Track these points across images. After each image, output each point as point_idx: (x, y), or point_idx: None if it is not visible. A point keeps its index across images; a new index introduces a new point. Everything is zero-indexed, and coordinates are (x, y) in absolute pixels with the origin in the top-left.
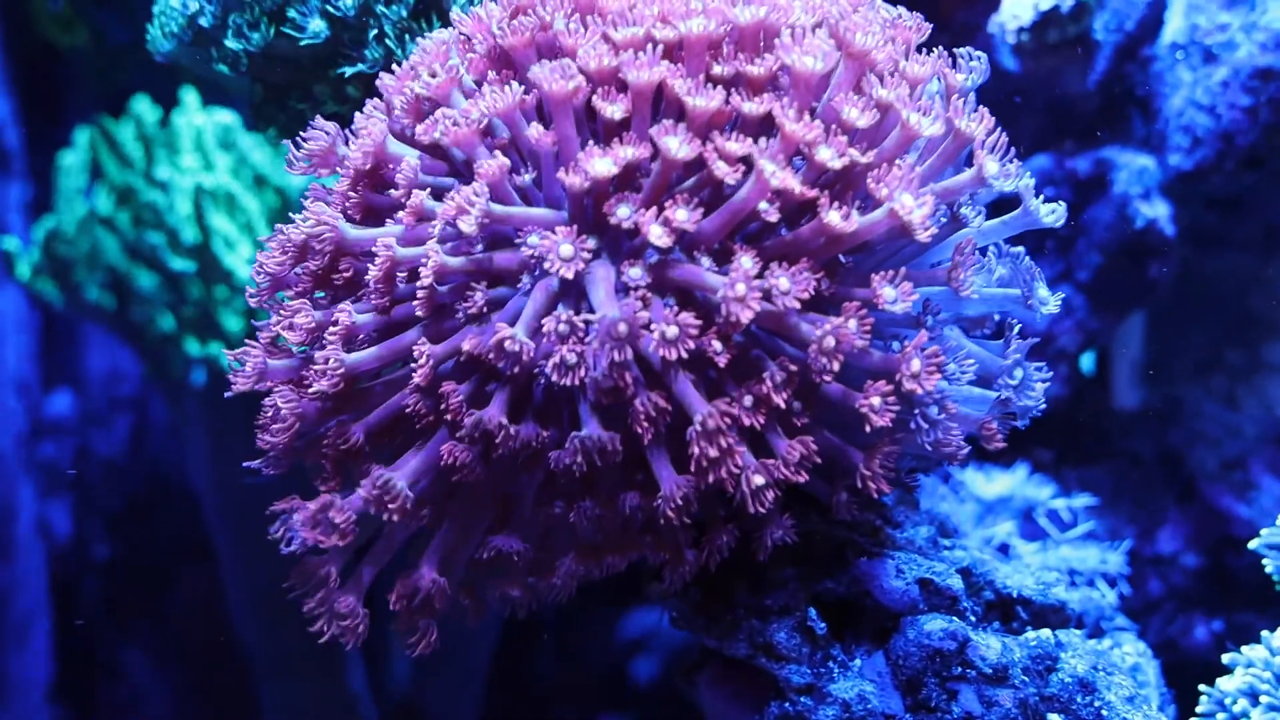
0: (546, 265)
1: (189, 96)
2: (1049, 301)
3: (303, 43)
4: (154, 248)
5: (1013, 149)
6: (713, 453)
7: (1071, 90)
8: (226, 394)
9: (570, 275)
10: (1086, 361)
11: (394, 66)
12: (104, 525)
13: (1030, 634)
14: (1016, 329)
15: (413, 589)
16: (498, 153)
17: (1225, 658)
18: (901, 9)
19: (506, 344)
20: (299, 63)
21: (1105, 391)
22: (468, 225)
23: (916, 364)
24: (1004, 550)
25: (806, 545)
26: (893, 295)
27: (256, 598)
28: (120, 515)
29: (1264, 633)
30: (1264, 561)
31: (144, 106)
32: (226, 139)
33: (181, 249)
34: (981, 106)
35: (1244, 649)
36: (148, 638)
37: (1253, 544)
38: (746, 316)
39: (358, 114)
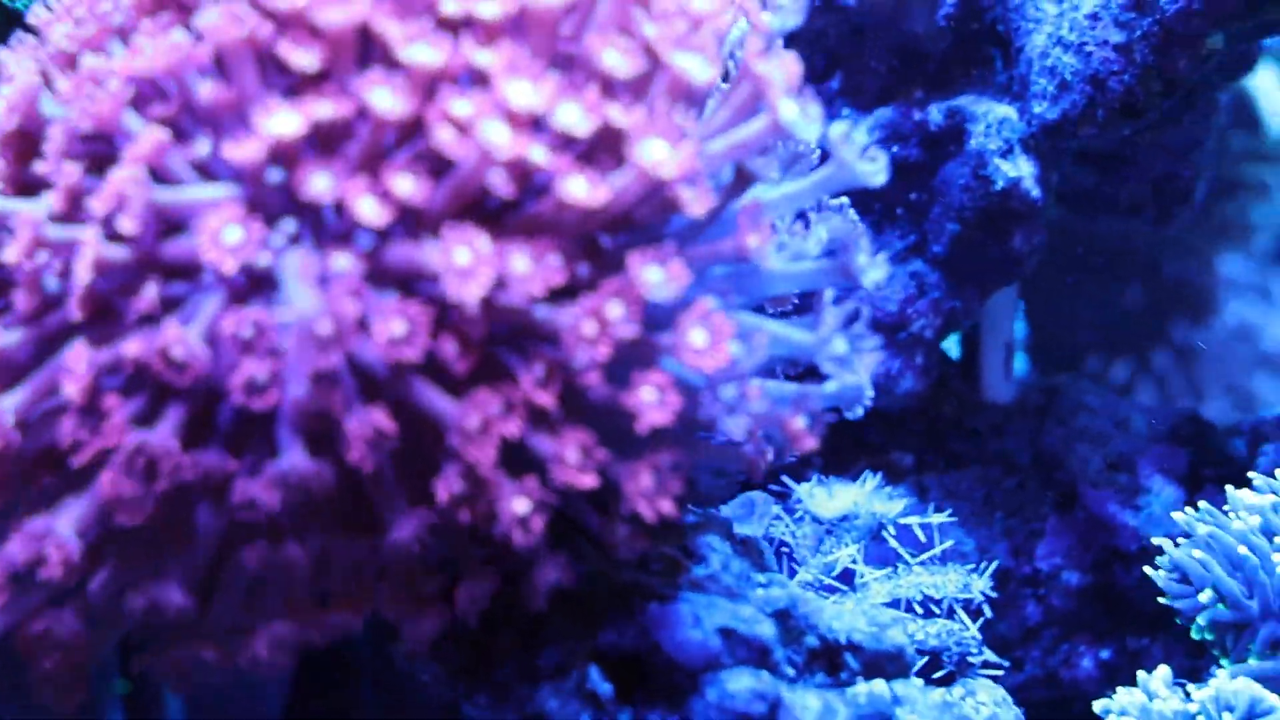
0: (209, 256)
1: None
2: (870, 269)
3: None
4: None
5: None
6: (483, 459)
7: (918, 28)
8: None
9: (247, 264)
10: (952, 347)
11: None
12: None
13: (861, 687)
14: (829, 295)
15: (49, 636)
16: (152, 126)
17: (1097, 705)
18: None
19: (173, 349)
20: None
21: (973, 384)
22: (129, 225)
23: (699, 335)
24: (848, 579)
25: (588, 591)
26: (659, 277)
27: None
28: None
29: (1140, 674)
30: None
31: None
32: None
33: None
34: (790, 50)
35: (1119, 692)
36: None
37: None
38: (473, 293)
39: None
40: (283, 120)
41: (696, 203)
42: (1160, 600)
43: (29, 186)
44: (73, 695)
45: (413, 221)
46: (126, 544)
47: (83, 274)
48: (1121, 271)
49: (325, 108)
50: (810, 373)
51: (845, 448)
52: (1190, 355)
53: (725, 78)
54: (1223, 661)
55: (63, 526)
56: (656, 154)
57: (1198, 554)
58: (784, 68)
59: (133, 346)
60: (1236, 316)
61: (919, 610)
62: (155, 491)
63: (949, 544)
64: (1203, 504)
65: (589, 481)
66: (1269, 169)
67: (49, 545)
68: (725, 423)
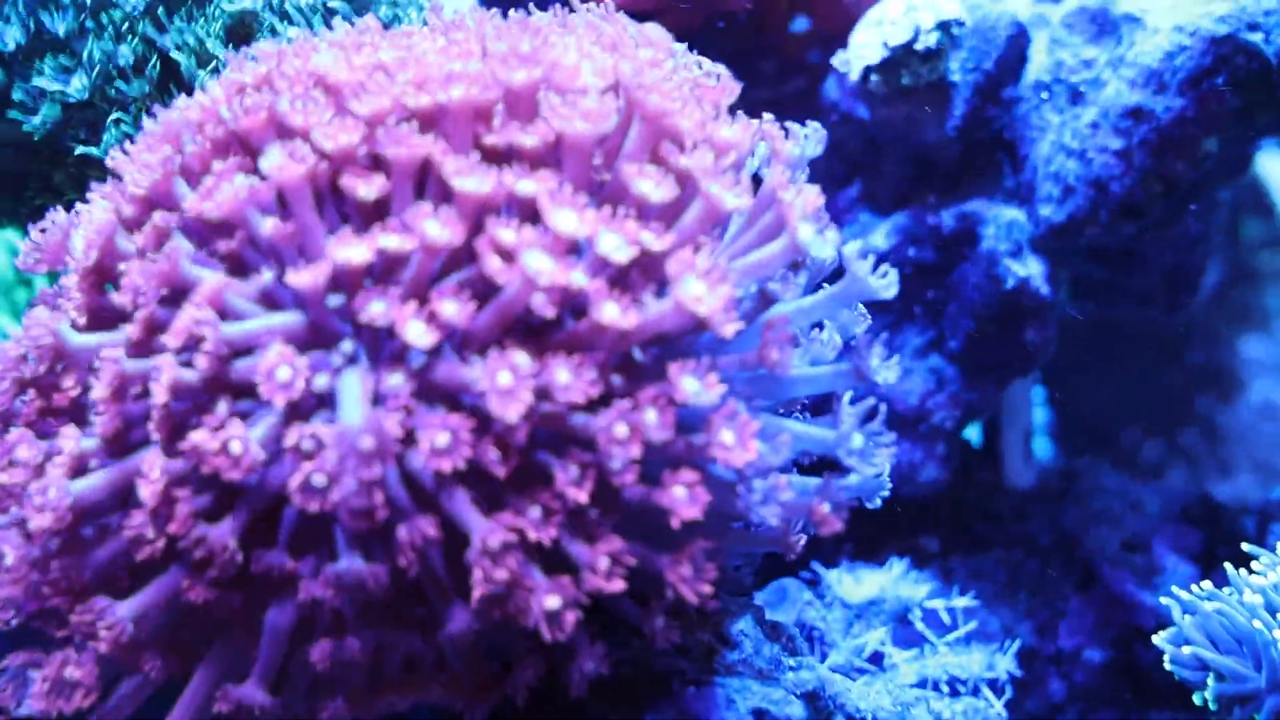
0: (262, 392)
1: None
2: (882, 370)
3: (26, 129)
4: None
5: (862, 214)
6: (500, 576)
7: (930, 137)
8: None
9: (295, 399)
10: (973, 435)
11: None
12: None
13: None
14: (847, 397)
15: None
16: (209, 275)
17: None
18: (720, 66)
19: (231, 445)
20: (32, 149)
21: (994, 470)
22: (203, 361)
23: (728, 434)
24: (877, 660)
25: (629, 676)
26: (695, 387)
27: None
28: None
29: None
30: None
31: None
32: None
33: None
34: (809, 181)
35: None
36: None
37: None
38: (514, 412)
39: (93, 193)
40: (352, 250)
41: (728, 327)
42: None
43: (103, 315)
44: None
45: (459, 341)
46: (203, 641)
47: (161, 397)
48: (1145, 356)
49: (393, 240)
50: (831, 464)
51: (874, 535)
52: (1217, 433)
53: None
54: None
55: (122, 608)
56: (695, 291)
57: (1195, 643)
58: (804, 197)
59: (198, 436)
60: (1261, 396)
61: (945, 689)
62: (212, 580)
63: (973, 625)
64: (1206, 583)
65: (617, 587)
66: None
67: (102, 619)
68: (759, 512)
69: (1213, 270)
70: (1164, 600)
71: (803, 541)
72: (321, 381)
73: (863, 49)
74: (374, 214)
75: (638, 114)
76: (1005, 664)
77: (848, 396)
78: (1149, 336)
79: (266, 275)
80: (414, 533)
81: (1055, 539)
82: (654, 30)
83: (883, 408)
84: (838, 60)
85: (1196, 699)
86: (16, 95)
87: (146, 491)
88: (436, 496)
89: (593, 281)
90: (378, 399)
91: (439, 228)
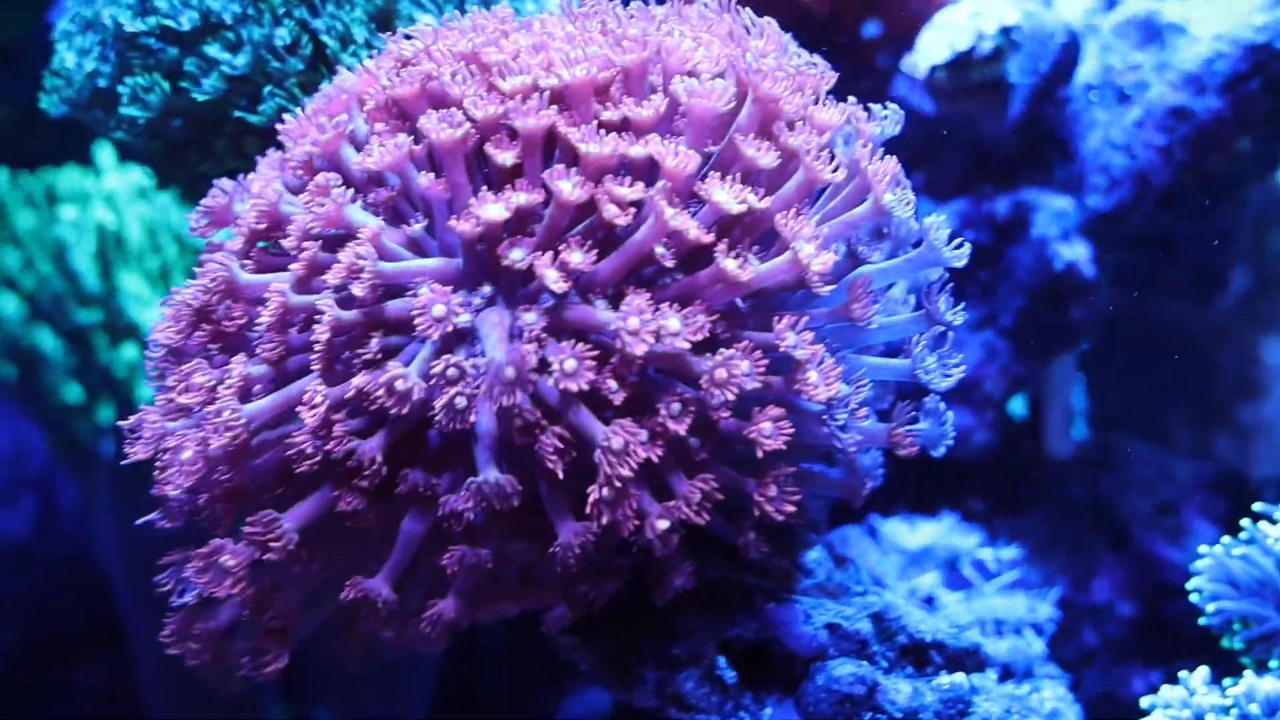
0: (421, 326)
1: (104, 153)
2: (950, 312)
3: (198, 98)
4: (57, 297)
5: (920, 197)
6: (622, 474)
7: (989, 132)
8: (123, 461)
9: (449, 330)
10: (1018, 407)
11: (292, 114)
12: (6, 610)
13: (943, 678)
14: (921, 344)
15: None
16: (370, 219)
17: (1144, 700)
18: (816, 57)
19: (397, 383)
20: (198, 119)
21: (1037, 439)
22: (360, 290)
23: (814, 375)
24: (929, 602)
25: (716, 592)
26: (794, 339)
27: (173, 677)
28: (24, 599)
29: (1182, 673)
30: (1193, 597)
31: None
32: (143, 196)
33: (86, 297)
34: (889, 155)
35: (1163, 689)
36: None
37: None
38: (640, 350)
39: (259, 160)
40: (492, 208)
41: (826, 288)
42: (1201, 622)
43: (268, 267)
44: (272, 663)
45: (584, 286)
46: (344, 544)
47: (323, 335)
48: (1176, 355)
49: (521, 197)
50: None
51: (926, 495)
52: (1242, 431)
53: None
54: (1248, 663)
55: (287, 520)
56: (807, 250)
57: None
58: (886, 165)
59: (360, 378)
60: None
61: (991, 630)
62: (364, 489)
63: (1017, 573)
64: (1226, 538)
65: (704, 520)
66: None
67: (270, 531)
68: (840, 438)
69: (1243, 278)
70: (1201, 551)
71: (868, 487)
72: (464, 319)
73: (930, 49)
74: (510, 176)
75: (751, 95)
76: (1046, 610)
77: (921, 343)
78: (1183, 336)
79: (417, 225)
80: (553, 438)
81: (1091, 503)
82: (769, 24)
83: (950, 335)
84: (905, 63)
85: (1225, 642)
86: (188, 67)
87: (309, 415)
88: (563, 414)
89: (709, 234)
90: (514, 334)
91: (570, 186)
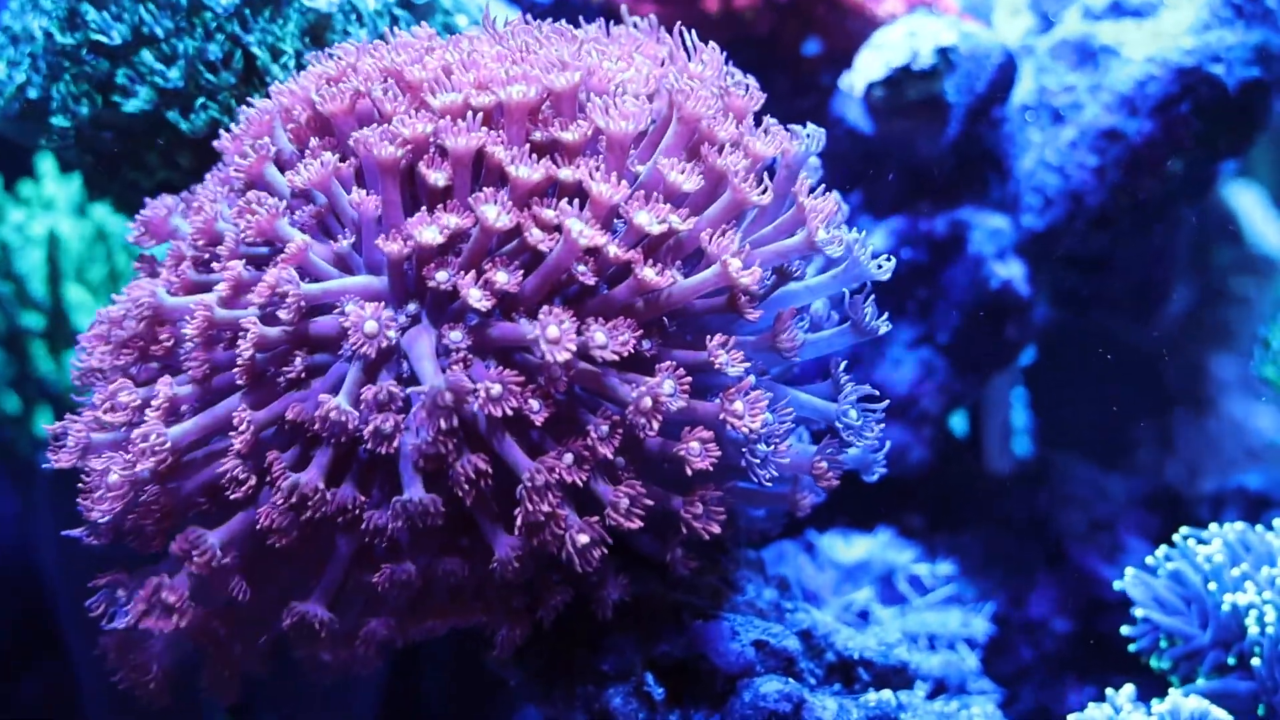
0: (352, 343)
1: (45, 165)
2: (876, 321)
3: (126, 110)
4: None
5: (860, 217)
6: (543, 509)
7: (926, 151)
8: (44, 467)
9: (383, 346)
10: (958, 424)
11: (225, 131)
12: None
13: (870, 695)
14: (842, 366)
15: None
16: (297, 235)
17: (1070, 718)
18: (749, 78)
19: (332, 414)
20: (130, 131)
21: (977, 455)
22: (286, 314)
23: (739, 404)
24: (864, 617)
25: (645, 609)
26: (725, 357)
27: (112, 691)
28: None
29: (1108, 690)
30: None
31: None
32: (82, 206)
33: (30, 302)
34: (828, 192)
35: (1090, 707)
36: None
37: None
38: (561, 357)
39: (198, 185)
40: (427, 231)
41: (755, 313)
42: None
43: (200, 289)
44: (228, 690)
45: (508, 304)
46: (275, 567)
47: (246, 351)
48: (1121, 370)
49: (453, 220)
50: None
51: (863, 512)
52: (1186, 442)
53: None
54: (1174, 682)
55: (213, 536)
56: (736, 265)
57: (1151, 590)
58: (824, 204)
59: (292, 411)
60: (1227, 410)
61: (924, 645)
62: (301, 520)
63: (952, 589)
64: (1166, 547)
65: (634, 525)
66: (1252, 281)
67: (196, 546)
68: (756, 472)
69: (1186, 293)
70: (1127, 573)
71: (810, 500)
72: (392, 335)
73: (867, 68)
74: (440, 196)
75: (676, 115)
76: (980, 625)
77: (843, 365)
78: (1124, 353)
79: (344, 242)
80: (468, 466)
81: (1028, 519)
82: (711, 49)
83: (878, 393)
84: (843, 81)
85: (1153, 663)
86: (120, 79)
87: (238, 441)
88: (489, 439)
89: (630, 251)
90: (439, 352)
91: (496, 211)
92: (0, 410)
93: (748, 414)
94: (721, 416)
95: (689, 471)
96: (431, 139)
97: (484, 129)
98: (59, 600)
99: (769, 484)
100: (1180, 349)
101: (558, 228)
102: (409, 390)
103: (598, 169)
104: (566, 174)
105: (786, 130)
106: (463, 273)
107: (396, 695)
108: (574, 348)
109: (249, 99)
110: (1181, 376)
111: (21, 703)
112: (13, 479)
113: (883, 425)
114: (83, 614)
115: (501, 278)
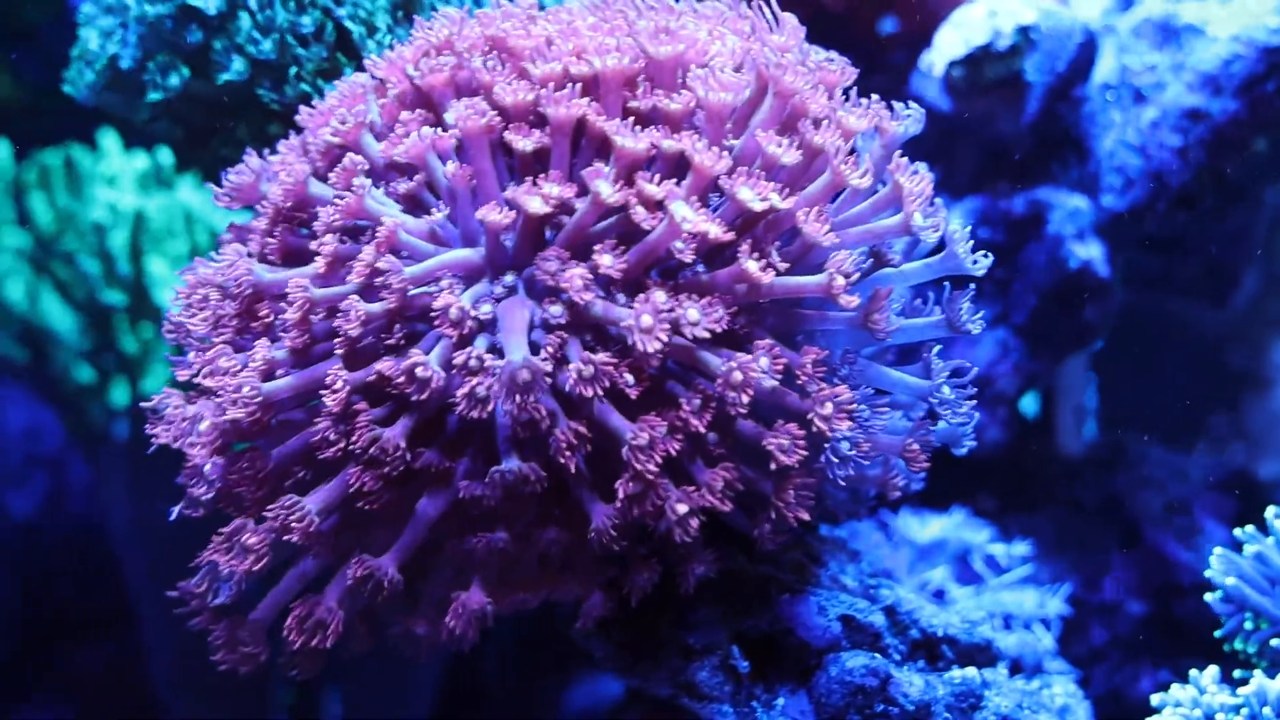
0: (435, 324)
1: (108, 140)
2: (969, 320)
3: (221, 81)
4: (88, 277)
5: (937, 196)
6: (650, 468)
7: (1005, 131)
8: (147, 447)
9: (467, 330)
10: (1030, 404)
11: (312, 103)
12: (18, 589)
13: (955, 672)
14: (936, 350)
15: (309, 614)
16: (388, 214)
17: (1154, 698)
18: (833, 53)
19: (418, 370)
20: (220, 104)
21: (1049, 437)
22: (389, 296)
23: (828, 407)
24: (939, 596)
25: (731, 584)
26: (829, 410)
27: (182, 660)
28: (35, 579)
29: (1192, 671)
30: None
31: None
32: (160, 179)
33: (115, 280)
34: (918, 164)
35: (1173, 688)
36: (60, 708)
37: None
38: (653, 347)
39: (281, 145)
40: (533, 201)
41: (852, 301)
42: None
43: (294, 254)
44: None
45: (607, 281)
46: (366, 529)
47: (353, 331)
48: (1187, 355)
49: (555, 190)
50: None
51: (938, 492)
52: (1252, 425)
53: None
54: (1261, 665)
55: (309, 502)
56: (840, 283)
57: (1239, 568)
58: (921, 185)
59: (382, 364)
60: None
61: (1000, 624)
62: (386, 482)
63: (1028, 569)
64: (1250, 527)
65: (727, 508)
66: None
67: (293, 514)
68: (833, 469)
69: (1253, 280)
70: (1215, 552)
71: (902, 482)
72: (486, 310)
73: (947, 47)
74: (531, 163)
75: (772, 89)
76: (1056, 606)
77: (936, 349)
78: (1194, 337)
79: (438, 214)
80: (567, 432)
81: (1102, 501)
82: (789, 19)
83: (968, 365)
84: (923, 60)
85: (1238, 643)
86: (216, 49)
87: (331, 400)
88: (583, 408)
89: (730, 233)
90: (536, 325)
91: (610, 189)
92: (74, 381)
93: (835, 416)
94: (810, 417)
95: (773, 465)
96: (531, 108)
97: (585, 98)
98: (130, 571)
99: (843, 484)
100: (1246, 334)
101: (659, 203)
102: (494, 362)
103: (704, 143)
104: (670, 144)
105: (888, 107)
106: (566, 253)
107: (459, 667)
108: (665, 337)
109: (340, 73)
110: (1249, 360)
111: (90, 671)
112: (86, 449)
113: (974, 400)
114: (154, 584)
115: (607, 260)
